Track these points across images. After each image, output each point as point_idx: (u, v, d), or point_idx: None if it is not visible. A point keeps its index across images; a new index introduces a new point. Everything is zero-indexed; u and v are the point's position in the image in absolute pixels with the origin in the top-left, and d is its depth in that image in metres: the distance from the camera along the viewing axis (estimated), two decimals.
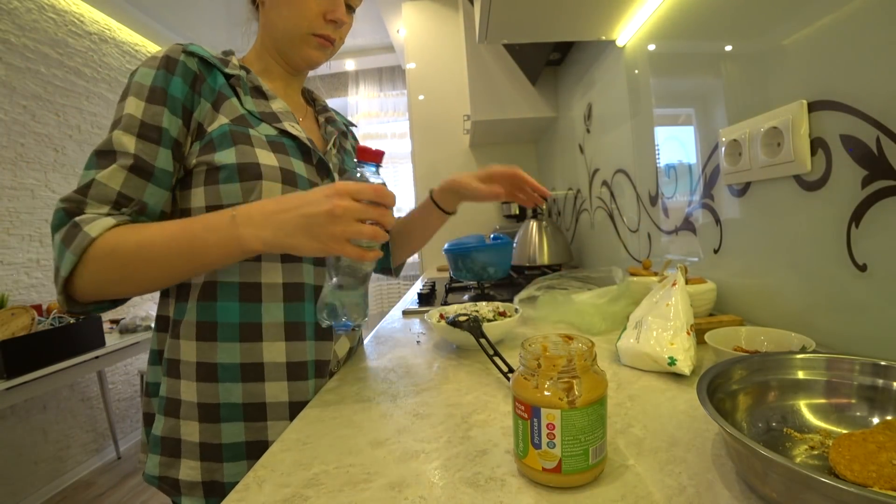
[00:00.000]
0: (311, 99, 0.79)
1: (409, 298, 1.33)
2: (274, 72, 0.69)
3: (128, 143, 0.53)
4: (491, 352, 0.61)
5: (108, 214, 0.52)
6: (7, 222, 2.05)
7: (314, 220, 0.48)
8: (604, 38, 1.13)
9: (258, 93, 0.64)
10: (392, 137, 4.15)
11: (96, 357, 1.97)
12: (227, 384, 0.57)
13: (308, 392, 0.60)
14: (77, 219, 0.51)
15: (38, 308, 1.96)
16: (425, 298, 1.22)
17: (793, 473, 0.26)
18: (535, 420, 0.34)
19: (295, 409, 0.58)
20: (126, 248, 0.50)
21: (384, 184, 0.55)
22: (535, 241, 1.52)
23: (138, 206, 0.54)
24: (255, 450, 0.56)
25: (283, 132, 0.62)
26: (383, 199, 0.51)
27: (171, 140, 0.56)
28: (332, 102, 4.34)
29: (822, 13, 0.53)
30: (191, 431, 0.56)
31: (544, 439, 0.33)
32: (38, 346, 1.72)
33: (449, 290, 1.35)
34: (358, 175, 0.54)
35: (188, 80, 0.57)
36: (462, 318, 0.68)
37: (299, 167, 0.62)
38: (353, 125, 0.87)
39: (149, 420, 0.61)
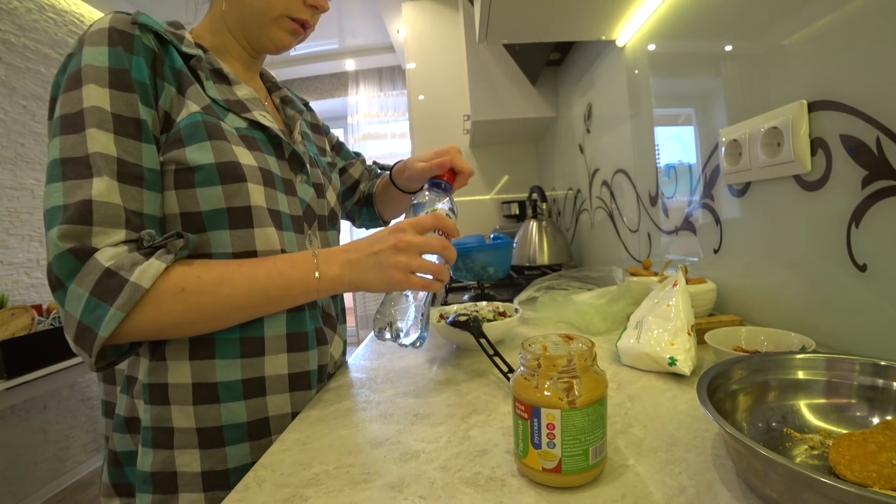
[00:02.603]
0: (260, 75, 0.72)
1: None
2: (232, 51, 0.60)
3: (108, 143, 0.44)
4: (491, 352, 0.61)
5: (127, 242, 0.45)
6: (7, 222, 2.04)
7: (381, 255, 0.51)
8: (604, 38, 1.13)
9: (220, 77, 0.56)
10: (392, 137, 4.15)
11: None
12: (230, 404, 0.51)
13: (309, 401, 0.57)
14: (108, 264, 0.42)
15: (38, 308, 1.96)
16: None
17: (793, 473, 0.26)
18: (535, 420, 0.34)
19: None
20: (200, 287, 0.46)
21: (452, 208, 0.60)
22: (535, 241, 1.52)
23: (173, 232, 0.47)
24: None
25: (254, 124, 0.56)
26: (445, 228, 0.54)
27: (150, 134, 0.48)
28: (331, 102, 4.33)
29: (822, 13, 0.53)
30: (189, 461, 0.50)
31: (544, 439, 0.33)
32: (38, 346, 1.72)
33: (449, 290, 1.35)
34: (426, 197, 0.60)
35: (149, 61, 0.48)
36: (462, 318, 0.68)
37: (274, 164, 0.56)
38: (304, 103, 0.79)
39: (115, 460, 0.54)
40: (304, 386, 0.56)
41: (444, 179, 0.63)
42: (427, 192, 0.62)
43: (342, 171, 0.86)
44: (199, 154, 0.49)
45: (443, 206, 0.60)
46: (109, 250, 0.43)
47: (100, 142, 0.44)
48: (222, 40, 0.59)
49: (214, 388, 0.51)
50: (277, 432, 0.53)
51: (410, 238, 0.51)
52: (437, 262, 0.54)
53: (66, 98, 0.45)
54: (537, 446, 0.34)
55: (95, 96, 0.44)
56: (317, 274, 0.51)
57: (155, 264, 0.44)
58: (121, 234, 0.44)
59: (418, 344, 0.57)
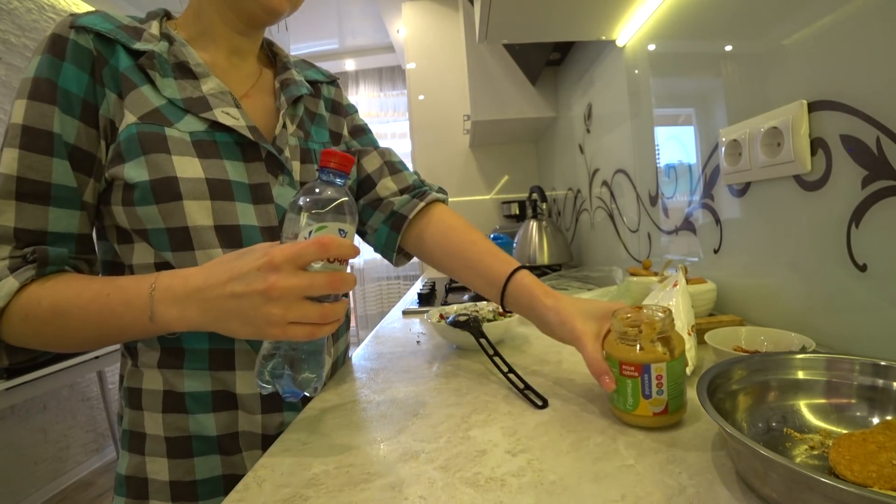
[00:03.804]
0: (272, 56, 0.63)
1: (409, 298, 1.33)
2: (217, 34, 0.54)
3: (9, 161, 0.43)
4: (491, 352, 0.61)
5: (12, 258, 0.43)
6: None
7: (246, 301, 0.38)
8: (604, 38, 1.13)
9: (184, 71, 0.50)
10: (392, 137, 4.15)
11: (96, 357, 1.97)
12: (198, 416, 0.50)
13: (285, 424, 0.52)
14: None
15: None
16: (425, 298, 1.22)
17: (793, 473, 0.26)
18: (646, 375, 0.40)
19: (268, 441, 0.49)
20: (39, 315, 0.42)
21: (348, 198, 0.42)
22: (535, 241, 1.52)
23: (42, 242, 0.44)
24: (233, 483, 0.40)
25: (216, 124, 0.50)
26: (337, 256, 0.39)
27: (69, 147, 0.44)
28: None
29: (822, 13, 0.53)
30: (158, 469, 0.49)
31: (654, 389, 0.40)
32: None
33: (449, 290, 1.35)
34: (315, 194, 0.41)
35: (85, 66, 0.45)
36: (462, 318, 0.68)
37: (237, 172, 0.50)
38: (330, 79, 0.69)
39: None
40: (276, 408, 0.52)
41: (336, 168, 0.41)
42: (317, 187, 0.41)
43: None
44: (134, 171, 0.45)
45: (337, 219, 0.41)
46: None
47: (4, 160, 0.43)
48: (205, 23, 0.54)
49: (182, 398, 0.49)
50: (248, 449, 0.51)
51: (286, 283, 0.37)
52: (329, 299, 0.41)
53: None
54: (648, 396, 0.40)
55: (17, 111, 0.43)
56: (150, 319, 0.41)
57: (9, 283, 0.42)
58: (5, 251, 0.43)
59: (310, 392, 0.43)
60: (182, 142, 0.47)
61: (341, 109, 0.69)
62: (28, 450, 2.00)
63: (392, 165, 0.70)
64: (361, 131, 0.72)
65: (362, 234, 0.72)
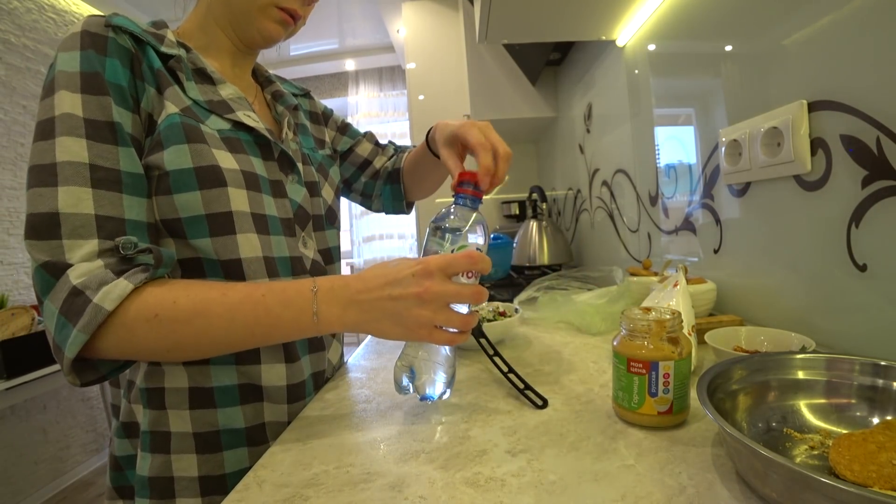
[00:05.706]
0: (253, 71, 0.68)
1: None
2: (221, 47, 0.58)
3: (78, 150, 0.42)
4: (491, 352, 0.61)
5: (101, 253, 0.42)
6: (7, 222, 2.04)
7: (401, 303, 0.43)
8: (604, 38, 1.13)
9: (202, 76, 0.53)
10: (392, 137, 4.15)
11: None
12: (226, 409, 0.50)
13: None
14: (76, 282, 0.40)
15: (38, 308, 1.96)
16: None
17: (793, 473, 0.26)
18: (654, 373, 0.40)
19: None
20: (175, 315, 0.42)
21: (483, 229, 0.49)
22: (535, 241, 1.52)
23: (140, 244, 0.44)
24: None
25: (238, 125, 0.53)
26: (479, 269, 0.45)
27: (129, 137, 0.46)
28: (331, 102, 4.36)
29: (822, 13, 0.53)
30: (186, 466, 0.49)
31: (661, 387, 0.40)
32: (38, 346, 1.72)
33: None
34: (452, 217, 0.48)
35: (125, 62, 0.46)
36: None
37: (259, 167, 0.54)
38: (303, 92, 0.76)
39: (115, 464, 0.54)
40: (301, 396, 0.55)
41: (472, 193, 0.49)
42: (452, 210, 0.49)
43: (349, 152, 0.82)
44: (175, 157, 0.47)
45: (474, 238, 0.48)
46: (83, 266, 0.41)
47: (70, 150, 0.42)
48: (210, 36, 0.57)
49: (210, 393, 0.50)
50: (275, 438, 0.52)
51: (439, 288, 0.43)
52: (465, 310, 0.47)
53: (42, 106, 0.44)
54: (654, 395, 0.41)
55: (67, 103, 0.43)
56: (315, 316, 0.45)
57: (121, 285, 0.41)
58: (93, 244, 0.42)
59: (445, 396, 0.50)
60: (214, 137, 0.50)
61: (319, 118, 0.76)
62: (28, 450, 2.00)
63: (378, 144, 0.86)
64: (346, 126, 0.83)
65: (369, 205, 0.87)
